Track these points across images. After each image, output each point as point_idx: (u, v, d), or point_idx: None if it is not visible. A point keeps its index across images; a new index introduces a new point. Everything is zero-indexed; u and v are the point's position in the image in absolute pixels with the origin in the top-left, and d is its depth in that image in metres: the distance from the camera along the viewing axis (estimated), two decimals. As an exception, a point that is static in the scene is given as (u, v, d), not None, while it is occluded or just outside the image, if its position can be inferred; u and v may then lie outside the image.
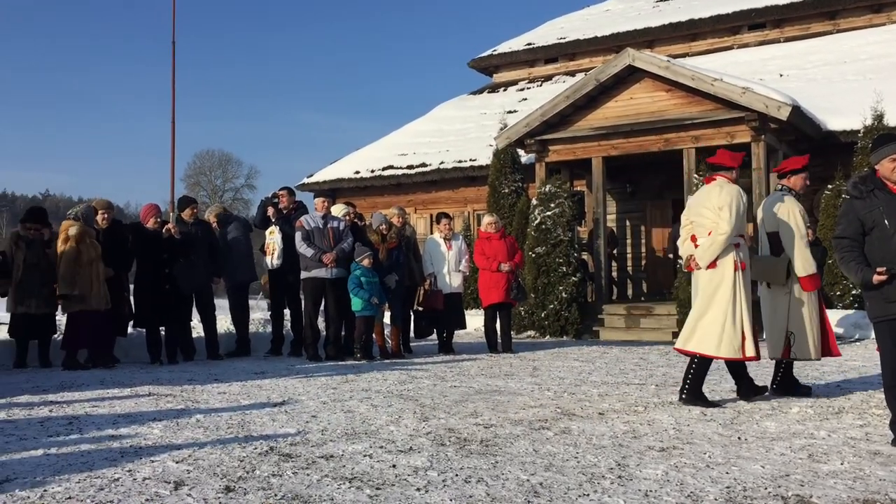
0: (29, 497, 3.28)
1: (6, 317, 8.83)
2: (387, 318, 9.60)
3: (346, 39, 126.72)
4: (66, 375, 7.55)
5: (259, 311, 10.43)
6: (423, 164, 18.96)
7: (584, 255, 14.46)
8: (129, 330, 9.23)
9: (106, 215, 8.66)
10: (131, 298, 8.96)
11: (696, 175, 12.66)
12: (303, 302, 9.43)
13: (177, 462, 3.91)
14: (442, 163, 18.77)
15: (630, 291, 16.87)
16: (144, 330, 9.02)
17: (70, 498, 3.28)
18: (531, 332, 13.64)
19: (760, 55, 18.73)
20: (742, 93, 12.69)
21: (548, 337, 13.30)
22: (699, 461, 3.99)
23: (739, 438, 4.55)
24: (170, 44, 20.21)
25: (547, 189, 14.12)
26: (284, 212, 9.89)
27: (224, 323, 10.38)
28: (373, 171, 19.60)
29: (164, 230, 8.81)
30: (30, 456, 4.05)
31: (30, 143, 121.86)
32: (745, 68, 17.06)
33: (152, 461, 3.93)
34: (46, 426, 4.86)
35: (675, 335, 8.48)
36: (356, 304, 9.02)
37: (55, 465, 3.86)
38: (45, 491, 3.37)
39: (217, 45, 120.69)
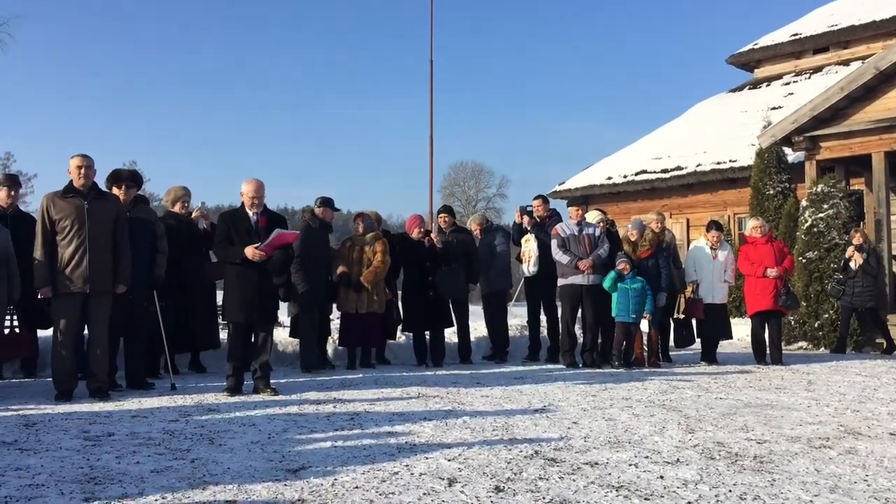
0: (322, 484, 3.62)
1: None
2: (644, 326, 9.39)
3: (592, 42, 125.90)
4: (345, 375, 8.22)
5: (516, 318, 10.63)
6: (679, 167, 18.31)
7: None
8: (398, 334, 9.83)
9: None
10: (399, 304, 9.55)
11: None
12: (559, 309, 9.50)
13: (448, 460, 4.11)
14: (699, 165, 18.00)
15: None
16: (411, 334, 9.57)
17: (357, 487, 3.57)
18: (802, 344, 12.64)
19: None
20: None
21: (822, 349, 12.24)
22: None
23: None
24: (427, 62, 21.32)
25: (819, 189, 13.04)
26: (539, 220, 10.03)
27: (477, 328, 10.74)
28: (625, 177, 19.27)
29: (426, 239, 9.29)
30: (320, 447, 4.46)
31: (301, 160, 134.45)
32: None
33: (426, 458, 4.17)
34: (332, 420, 5.33)
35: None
36: (614, 310, 8.93)
37: (342, 456, 4.22)
38: (335, 479, 3.70)
39: (470, 64, 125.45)
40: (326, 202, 8.72)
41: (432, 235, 9.41)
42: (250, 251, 6.47)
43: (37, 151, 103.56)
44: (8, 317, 7.04)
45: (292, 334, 9.16)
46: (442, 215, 9.98)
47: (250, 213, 6.72)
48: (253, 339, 6.78)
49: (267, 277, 6.66)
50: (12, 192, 7.48)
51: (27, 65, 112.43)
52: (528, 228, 9.93)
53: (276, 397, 6.41)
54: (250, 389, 6.66)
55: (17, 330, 7.13)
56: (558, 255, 9.01)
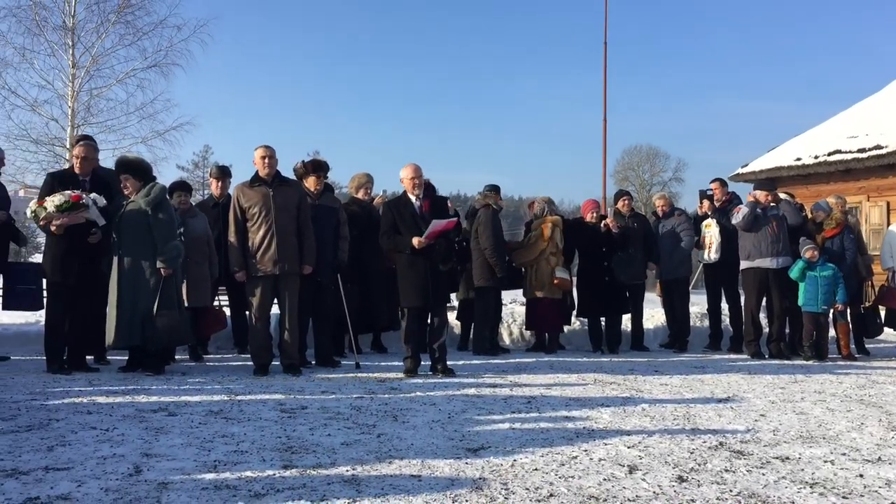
0: (501, 464, 3.68)
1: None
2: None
3: (781, 20, 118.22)
4: (521, 359, 8.29)
5: (695, 306, 10.25)
6: (878, 146, 16.88)
7: None
8: (573, 319, 9.77)
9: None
10: (574, 290, 9.49)
11: None
12: (742, 296, 9.07)
13: (628, 447, 4.05)
14: (902, 143, 16.53)
15: None
16: (586, 319, 9.48)
17: (536, 469, 3.60)
18: None
19: None
20: None
21: None
22: None
23: None
24: (601, 45, 20.94)
25: None
26: (718, 204, 9.61)
27: (654, 316, 10.46)
28: (816, 157, 18.03)
29: (601, 224, 9.15)
30: (498, 428, 4.53)
31: (473, 145, 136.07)
32: None
33: (605, 444, 4.13)
34: (509, 403, 5.39)
35: None
36: (801, 299, 8.42)
37: (520, 438, 4.27)
38: (514, 461, 3.75)
39: (647, 45, 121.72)
40: (494, 188, 8.95)
41: (608, 220, 9.25)
42: (416, 242, 6.64)
43: (233, 143, 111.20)
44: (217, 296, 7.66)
45: (459, 317, 9.36)
46: (623, 199, 9.82)
47: (412, 198, 6.89)
48: (429, 322, 6.98)
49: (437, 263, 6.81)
50: (220, 183, 8.11)
51: (219, 63, 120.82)
52: (709, 213, 9.54)
53: (453, 379, 6.57)
54: (428, 370, 6.87)
55: (225, 308, 7.71)
56: (742, 215, 8.47)
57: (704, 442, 4.20)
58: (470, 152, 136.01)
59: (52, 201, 6.32)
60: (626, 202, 9.78)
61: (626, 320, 9.70)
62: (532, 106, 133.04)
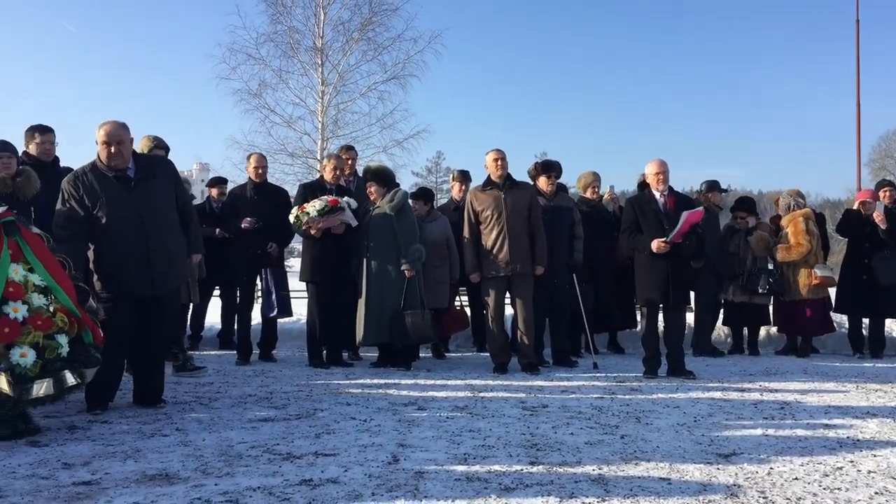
0: (757, 472, 3.50)
1: None
2: None
3: None
4: (768, 362, 7.82)
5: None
6: None
7: None
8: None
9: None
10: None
11: None
12: None
13: (903, 460, 3.70)
14: None
15: None
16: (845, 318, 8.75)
17: (796, 479, 3.39)
18: None
19: None
20: None
21: None
22: None
23: None
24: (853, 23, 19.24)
25: None
26: None
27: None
28: None
29: (873, 215, 8.31)
30: (749, 434, 4.31)
31: (709, 140, 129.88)
32: None
33: (874, 455, 3.80)
34: (760, 408, 5.11)
35: None
36: None
37: (775, 445, 4.03)
38: (771, 469, 3.55)
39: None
40: (713, 186, 8.51)
41: (877, 214, 8.32)
42: (656, 245, 6.44)
43: (462, 148, 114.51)
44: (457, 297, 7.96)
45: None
46: (885, 189, 8.75)
47: (657, 195, 6.68)
48: (666, 322, 6.77)
49: (678, 260, 6.54)
50: (462, 186, 8.41)
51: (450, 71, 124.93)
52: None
53: (694, 381, 6.33)
54: (665, 372, 6.66)
55: (466, 308, 7.98)
56: None
57: None
58: (706, 147, 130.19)
59: (314, 206, 6.89)
60: (889, 192, 8.84)
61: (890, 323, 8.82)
62: (772, 95, 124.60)
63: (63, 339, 4.26)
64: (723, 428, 4.48)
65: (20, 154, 5.69)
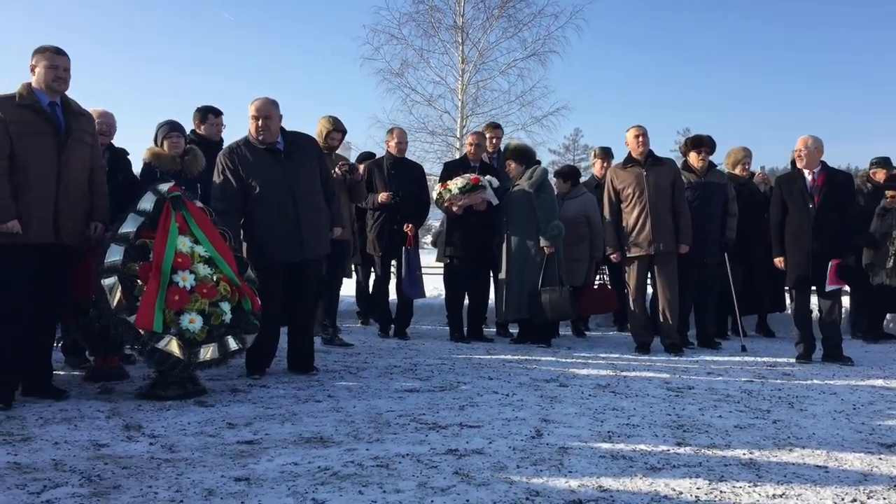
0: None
1: None
2: None
3: None
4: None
5: None
6: None
7: None
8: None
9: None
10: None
11: None
12: None
13: None
14: None
15: None
16: None
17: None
18: None
19: None
20: None
21: None
22: None
23: None
24: None
25: None
26: None
27: None
28: None
29: None
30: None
31: (858, 116, 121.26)
32: None
33: None
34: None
35: None
36: None
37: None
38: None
39: None
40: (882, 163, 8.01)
41: None
42: (778, 262, 6.31)
43: (602, 124, 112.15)
44: (599, 275, 7.85)
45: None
46: None
47: (805, 172, 6.32)
48: (819, 306, 6.43)
49: (824, 240, 6.16)
50: (604, 164, 8.27)
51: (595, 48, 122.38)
52: None
53: (852, 368, 5.99)
54: (820, 357, 6.34)
55: (608, 286, 7.86)
56: None
57: None
58: (856, 123, 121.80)
59: (456, 184, 6.98)
60: None
61: None
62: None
63: (226, 307, 4.57)
64: (885, 417, 4.23)
65: (188, 133, 6.10)
